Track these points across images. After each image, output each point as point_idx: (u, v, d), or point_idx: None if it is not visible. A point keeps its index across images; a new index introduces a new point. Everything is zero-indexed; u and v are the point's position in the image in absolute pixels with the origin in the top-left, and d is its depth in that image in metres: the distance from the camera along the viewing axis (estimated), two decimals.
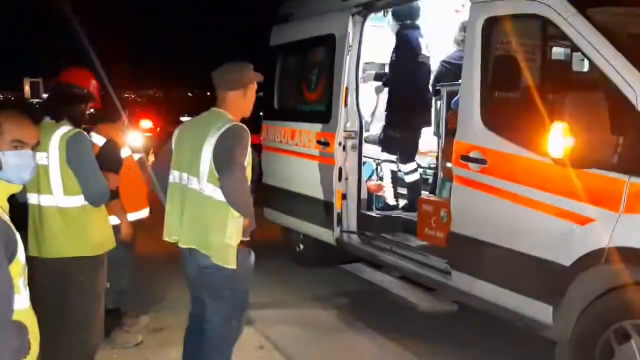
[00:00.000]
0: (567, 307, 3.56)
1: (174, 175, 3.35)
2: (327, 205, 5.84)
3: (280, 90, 7.05)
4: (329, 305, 5.67)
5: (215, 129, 3.15)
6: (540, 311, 3.72)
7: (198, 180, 3.17)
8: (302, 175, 6.28)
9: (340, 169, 5.73)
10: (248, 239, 3.30)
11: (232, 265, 3.19)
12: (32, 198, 3.46)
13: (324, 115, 5.93)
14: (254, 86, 3.40)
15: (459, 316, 4.90)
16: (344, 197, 5.77)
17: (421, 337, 4.85)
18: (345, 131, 5.75)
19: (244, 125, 3.22)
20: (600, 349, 3.35)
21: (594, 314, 3.43)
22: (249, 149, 3.21)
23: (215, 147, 3.12)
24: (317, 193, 6.00)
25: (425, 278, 4.85)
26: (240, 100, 3.35)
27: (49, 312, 3.40)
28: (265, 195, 7.04)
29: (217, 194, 3.12)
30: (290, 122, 6.58)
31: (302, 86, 6.60)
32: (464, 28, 5.11)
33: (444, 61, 5.79)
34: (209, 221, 3.19)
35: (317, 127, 6.06)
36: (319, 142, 5.98)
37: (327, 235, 5.94)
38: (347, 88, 5.72)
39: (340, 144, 5.72)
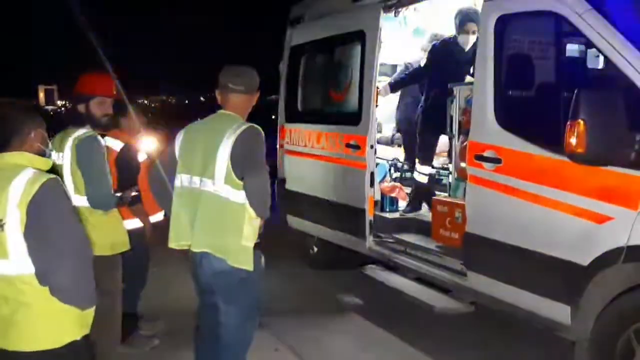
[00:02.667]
0: (586, 307, 3.52)
1: (181, 179, 3.31)
2: (358, 213, 5.55)
3: (305, 92, 6.72)
4: (344, 308, 5.65)
5: (230, 131, 3.15)
6: (558, 311, 3.68)
7: (213, 182, 3.15)
8: (329, 181, 6.01)
9: (372, 174, 5.49)
10: (258, 241, 3.29)
11: (249, 266, 3.19)
12: None
13: (354, 116, 5.64)
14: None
15: (476, 317, 4.86)
16: (376, 203, 5.59)
17: (438, 339, 4.82)
18: None
19: (259, 127, 3.25)
20: (620, 349, 3.31)
21: (613, 313, 3.39)
22: None
23: (233, 148, 3.12)
24: (347, 199, 5.72)
25: (441, 279, 4.82)
26: (250, 104, 3.40)
27: None
28: (289, 202, 6.75)
29: (234, 195, 3.13)
30: (316, 125, 6.27)
31: (329, 87, 6.29)
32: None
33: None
34: (225, 223, 3.18)
35: (346, 129, 5.77)
36: (348, 145, 5.67)
37: (358, 244, 5.66)
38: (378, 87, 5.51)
39: (372, 147, 5.47)
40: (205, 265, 3.27)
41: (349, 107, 5.85)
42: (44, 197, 2.18)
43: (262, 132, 3.25)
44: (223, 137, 3.14)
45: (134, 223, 4.37)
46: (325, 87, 6.35)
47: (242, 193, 3.16)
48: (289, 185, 6.74)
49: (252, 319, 3.45)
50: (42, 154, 2.43)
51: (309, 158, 6.35)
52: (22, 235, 2.15)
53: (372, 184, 5.50)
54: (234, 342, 3.36)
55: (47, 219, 2.17)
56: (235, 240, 3.16)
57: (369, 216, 5.50)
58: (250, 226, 3.19)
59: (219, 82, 3.35)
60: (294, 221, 6.77)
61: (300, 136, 6.50)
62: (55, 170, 2.46)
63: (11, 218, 2.15)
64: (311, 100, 6.69)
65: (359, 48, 5.64)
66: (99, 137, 3.67)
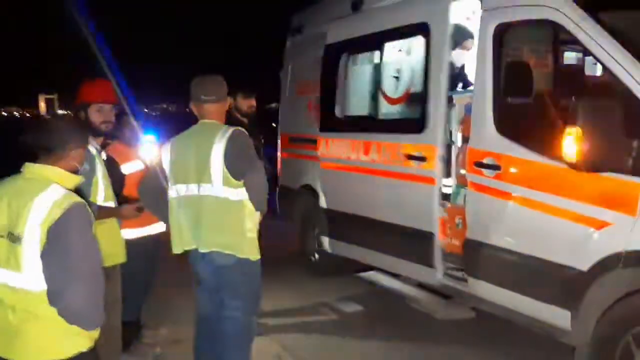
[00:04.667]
0: (586, 312, 3.54)
1: (177, 189, 3.46)
2: (424, 237, 4.76)
3: (346, 95, 5.94)
4: (346, 314, 5.66)
5: (219, 135, 3.34)
6: (558, 317, 3.71)
7: (212, 186, 3.33)
8: (383, 199, 5.23)
9: (440, 190, 4.74)
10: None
11: (257, 255, 3.45)
12: None
13: (416, 123, 4.85)
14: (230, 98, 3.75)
15: (477, 323, 4.88)
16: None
17: (439, 345, 4.82)
18: None
19: (242, 129, 3.48)
20: (620, 354, 3.33)
21: (612, 318, 3.41)
22: None
23: (225, 152, 3.29)
24: (409, 221, 4.91)
25: (442, 285, 4.83)
26: (224, 109, 3.59)
27: None
28: (328, 223, 6.09)
29: (232, 194, 3.33)
30: (363, 134, 5.50)
31: (380, 89, 5.43)
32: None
33: None
34: (229, 222, 3.37)
35: (405, 138, 5.01)
36: (410, 157, 4.91)
37: (425, 274, 4.86)
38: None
39: (442, 158, 4.71)
40: (208, 262, 3.43)
41: (408, 112, 5.09)
42: (68, 221, 2.18)
43: (247, 133, 3.45)
44: (213, 143, 3.32)
45: (136, 232, 4.38)
46: (374, 90, 5.50)
47: (239, 191, 3.36)
48: (328, 203, 6.03)
49: (255, 312, 3.66)
50: (75, 171, 2.44)
51: (353, 172, 5.58)
52: (40, 254, 2.15)
53: (441, 203, 4.75)
54: (242, 335, 3.52)
55: (67, 243, 2.18)
56: (241, 235, 3.39)
57: (439, 241, 4.71)
58: (251, 219, 3.43)
59: (192, 95, 3.52)
60: (337, 246, 6.05)
61: (342, 147, 5.74)
62: (78, 190, 2.45)
63: (30, 235, 2.16)
64: (356, 105, 5.86)
65: (422, 43, 4.93)
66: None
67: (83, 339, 2.31)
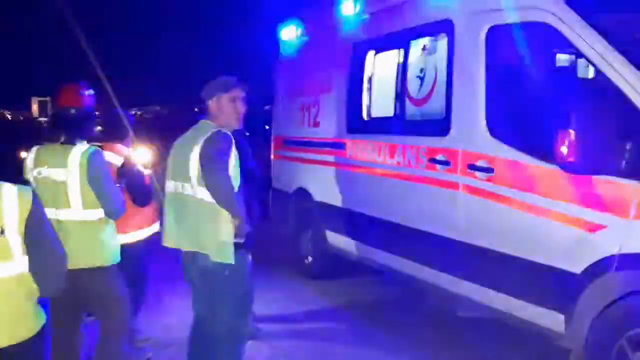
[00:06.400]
0: (580, 316, 3.53)
1: (168, 186, 3.58)
2: (449, 244, 4.49)
3: (371, 97, 5.69)
4: (339, 318, 5.64)
5: (201, 137, 3.39)
6: (552, 320, 3.70)
7: (191, 185, 3.39)
8: (409, 204, 5.00)
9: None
10: (243, 240, 3.42)
11: (230, 261, 3.34)
12: (50, 213, 3.48)
13: (440, 124, 4.60)
14: (228, 95, 3.56)
15: (477, 326, 4.86)
16: None
17: (438, 348, 4.81)
18: None
19: (226, 132, 3.42)
20: (614, 357, 3.32)
21: (607, 321, 3.40)
22: (234, 153, 3.39)
23: (200, 152, 3.34)
24: (433, 228, 4.69)
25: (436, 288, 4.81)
26: (217, 105, 3.54)
27: (66, 320, 3.52)
28: (347, 224, 6.00)
29: (207, 195, 3.33)
30: (387, 135, 5.30)
31: (404, 89, 5.17)
32: None
33: None
34: (204, 222, 3.37)
35: (429, 140, 4.76)
36: (432, 160, 4.69)
37: (458, 285, 4.46)
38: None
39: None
40: (193, 264, 3.48)
41: (432, 112, 4.80)
42: (38, 206, 2.38)
43: (226, 136, 3.38)
44: (196, 143, 3.38)
45: (128, 237, 4.35)
46: (398, 90, 5.24)
47: None
48: (356, 206, 5.81)
49: (244, 316, 3.65)
50: None
51: (380, 175, 5.38)
52: (23, 240, 2.31)
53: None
54: (229, 339, 3.52)
55: (43, 223, 2.41)
56: (214, 236, 3.35)
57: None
58: (227, 223, 3.34)
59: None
60: (354, 246, 5.94)
61: (368, 149, 5.56)
62: None
63: (11, 226, 2.28)
64: (380, 106, 5.59)
65: (445, 41, 4.69)
66: (102, 150, 3.71)
67: (42, 314, 2.45)
